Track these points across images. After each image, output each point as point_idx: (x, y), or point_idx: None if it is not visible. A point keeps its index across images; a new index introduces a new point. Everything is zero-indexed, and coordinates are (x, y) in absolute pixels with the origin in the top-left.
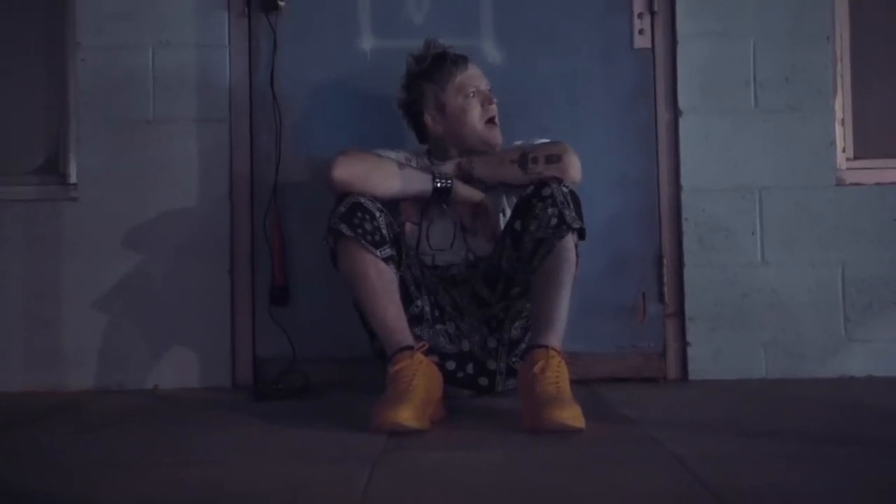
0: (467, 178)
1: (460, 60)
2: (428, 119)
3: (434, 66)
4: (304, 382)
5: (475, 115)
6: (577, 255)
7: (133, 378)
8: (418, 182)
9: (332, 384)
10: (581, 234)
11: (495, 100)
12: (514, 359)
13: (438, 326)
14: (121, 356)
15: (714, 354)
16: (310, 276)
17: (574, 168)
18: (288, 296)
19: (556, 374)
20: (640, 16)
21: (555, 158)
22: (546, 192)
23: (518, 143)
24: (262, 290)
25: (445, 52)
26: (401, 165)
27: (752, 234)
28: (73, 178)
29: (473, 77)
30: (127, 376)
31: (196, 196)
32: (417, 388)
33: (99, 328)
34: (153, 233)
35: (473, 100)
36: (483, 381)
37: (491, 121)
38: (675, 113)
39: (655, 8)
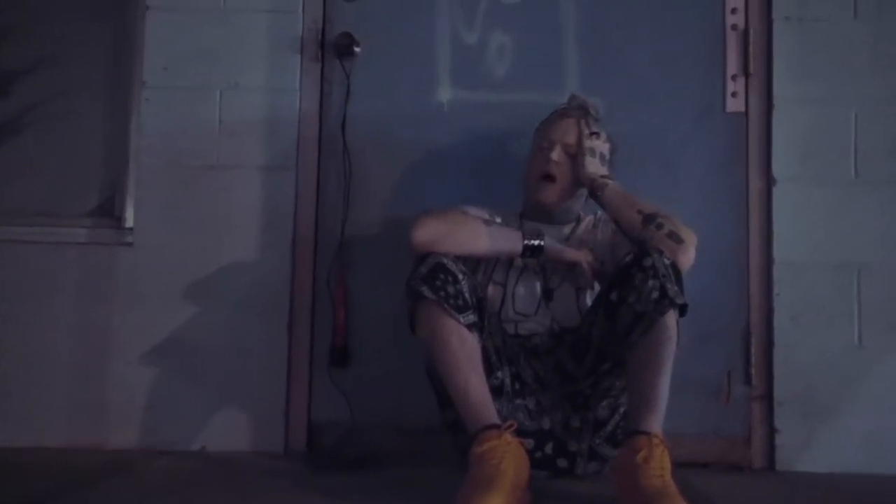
0: (593, 194)
1: (565, 111)
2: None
3: (549, 115)
4: (364, 452)
5: (535, 166)
6: (679, 333)
7: (180, 437)
8: (507, 240)
9: (393, 453)
10: (682, 310)
11: (556, 157)
12: (597, 441)
13: (518, 401)
14: (169, 414)
15: (804, 443)
16: (373, 337)
17: (687, 258)
18: (349, 356)
19: (660, 465)
20: (733, 78)
21: (677, 238)
22: (647, 262)
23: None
24: (320, 348)
25: (567, 105)
26: (487, 223)
27: (850, 314)
28: (128, 223)
29: (559, 128)
30: (174, 435)
31: (257, 246)
32: (507, 473)
33: (148, 382)
34: (210, 283)
35: (542, 151)
36: (562, 462)
37: (546, 177)
38: (769, 181)
39: (751, 70)
